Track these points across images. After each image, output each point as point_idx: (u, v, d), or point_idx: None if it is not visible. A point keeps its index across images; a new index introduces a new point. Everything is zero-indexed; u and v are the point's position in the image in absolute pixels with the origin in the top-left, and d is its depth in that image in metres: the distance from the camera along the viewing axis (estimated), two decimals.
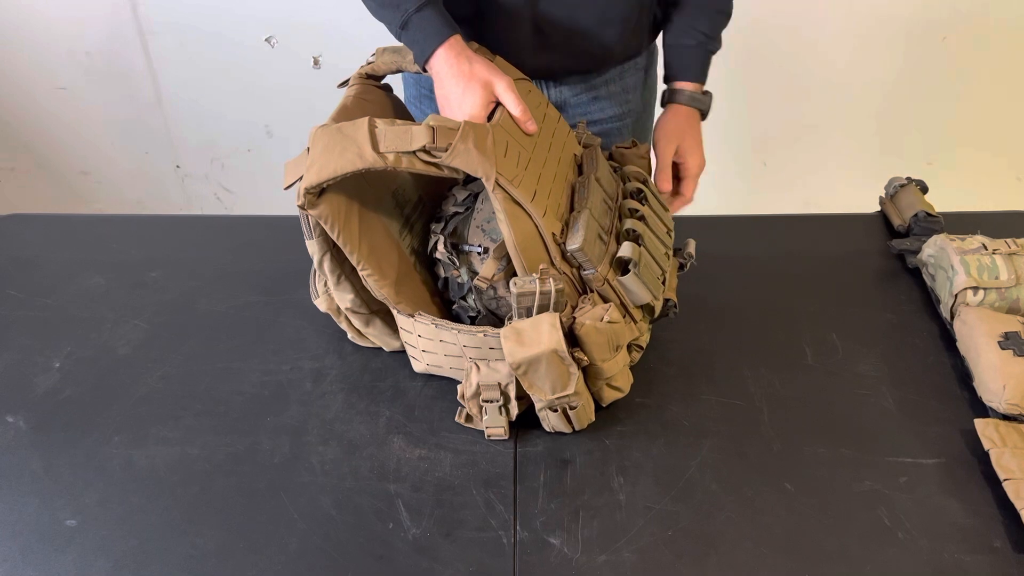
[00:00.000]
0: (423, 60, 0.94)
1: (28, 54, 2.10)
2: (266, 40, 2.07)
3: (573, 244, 0.85)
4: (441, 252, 0.95)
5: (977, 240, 1.06)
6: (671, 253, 0.99)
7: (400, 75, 1.11)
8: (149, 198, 2.42)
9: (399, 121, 0.82)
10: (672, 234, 1.02)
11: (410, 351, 0.98)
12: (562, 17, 1.03)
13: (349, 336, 1.04)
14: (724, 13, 1.10)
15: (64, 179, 2.37)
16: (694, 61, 1.10)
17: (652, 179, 1.07)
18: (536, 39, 1.05)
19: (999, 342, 0.93)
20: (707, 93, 1.11)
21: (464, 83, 0.89)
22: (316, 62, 2.11)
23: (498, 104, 0.90)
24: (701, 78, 1.10)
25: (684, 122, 1.09)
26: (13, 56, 2.10)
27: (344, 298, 0.95)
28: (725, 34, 1.12)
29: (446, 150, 0.80)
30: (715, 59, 1.12)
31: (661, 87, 1.27)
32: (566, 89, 1.15)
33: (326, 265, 0.92)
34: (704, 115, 1.11)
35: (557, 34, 1.05)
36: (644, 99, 1.24)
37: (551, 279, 0.83)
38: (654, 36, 1.18)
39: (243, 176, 2.37)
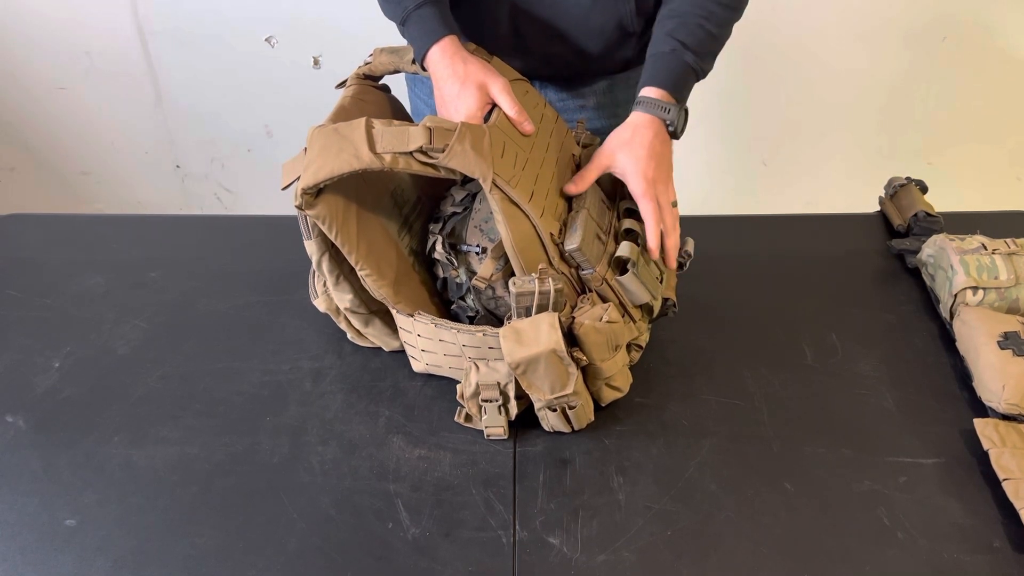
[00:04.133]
0: (419, 58, 0.94)
1: (28, 54, 2.10)
2: (266, 40, 2.07)
3: (571, 244, 0.85)
4: (439, 252, 0.95)
5: (976, 240, 1.06)
6: None
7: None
8: (149, 198, 2.42)
9: (396, 122, 0.82)
10: None
11: (409, 351, 0.98)
12: (540, 18, 1.02)
13: (348, 336, 1.04)
14: (703, 28, 0.95)
15: (64, 179, 2.37)
16: (661, 67, 0.95)
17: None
18: (515, 40, 1.04)
19: (998, 342, 0.93)
20: (677, 106, 0.94)
21: (460, 84, 0.89)
22: (316, 62, 2.11)
23: (495, 105, 0.90)
24: (666, 84, 0.94)
25: (630, 131, 0.92)
26: (13, 56, 2.10)
27: (343, 298, 0.96)
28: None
29: (443, 151, 0.80)
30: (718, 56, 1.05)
31: None
32: (551, 92, 1.14)
33: (324, 265, 0.92)
34: (672, 131, 0.94)
35: (535, 36, 1.04)
36: None
37: (550, 279, 0.83)
38: (643, 51, 1.13)
39: (243, 176, 2.37)
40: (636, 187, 0.90)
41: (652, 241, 0.90)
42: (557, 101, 1.15)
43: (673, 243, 0.93)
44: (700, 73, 0.97)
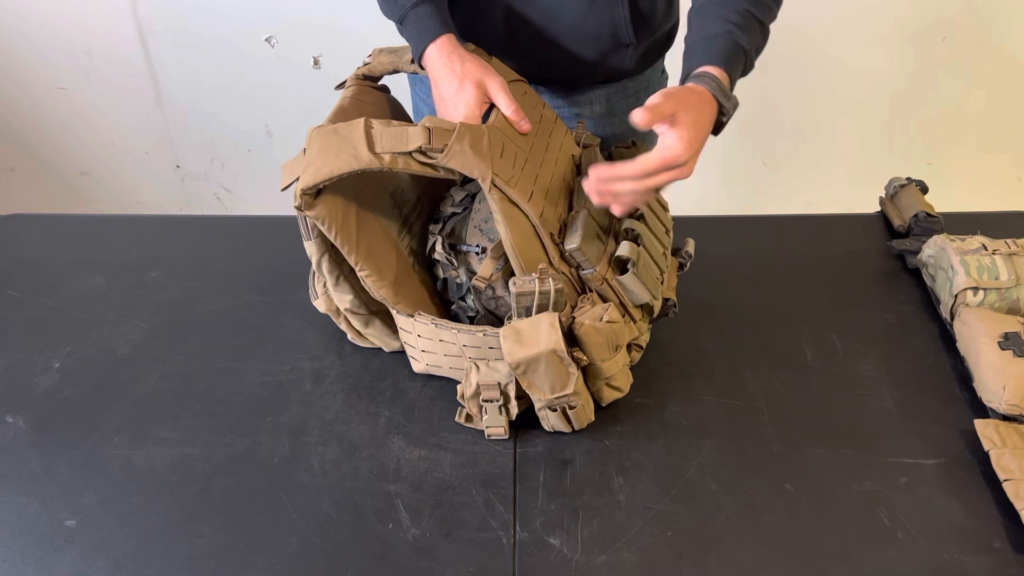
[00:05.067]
0: (417, 56, 0.94)
1: (28, 54, 2.10)
2: (266, 40, 2.07)
3: (571, 243, 0.85)
4: (439, 253, 0.95)
5: (977, 240, 1.06)
6: (668, 252, 0.99)
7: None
8: (149, 198, 2.42)
9: (395, 122, 0.82)
10: (671, 233, 1.02)
11: (409, 351, 0.98)
12: (534, 22, 1.02)
13: (349, 336, 1.04)
14: (752, 14, 0.89)
15: (64, 179, 2.37)
16: (714, 47, 0.88)
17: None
18: (510, 43, 1.04)
19: (999, 343, 0.93)
20: (732, 98, 0.87)
21: (458, 81, 0.89)
22: (316, 62, 2.11)
23: (493, 104, 0.90)
24: (717, 62, 0.86)
25: (689, 93, 0.83)
26: (13, 56, 2.10)
27: (343, 299, 0.96)
28: None
29: (442, 151, 0.80)
30: None
31: None
32: (547, 100, 1.14)
33: (324, 266, 0.92)
34: (719, 120, 0.86)
35: (530, 39, 1.03)
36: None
37: (550, 279, 0.83)
38: (647, 62, 1.13)
39: (243, 176, 2.37)
40: (675, 145, 0.78)
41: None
42: (553, 109, 1.14)
43: (629, 184, 0.80)
44: (748, 62, 0.89)
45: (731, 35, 0.88)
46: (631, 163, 0.78)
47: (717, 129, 0.87)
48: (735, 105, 0.87)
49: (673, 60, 1.18)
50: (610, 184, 0.80)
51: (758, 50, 0.92)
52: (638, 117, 0.75)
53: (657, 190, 0.82)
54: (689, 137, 0.78)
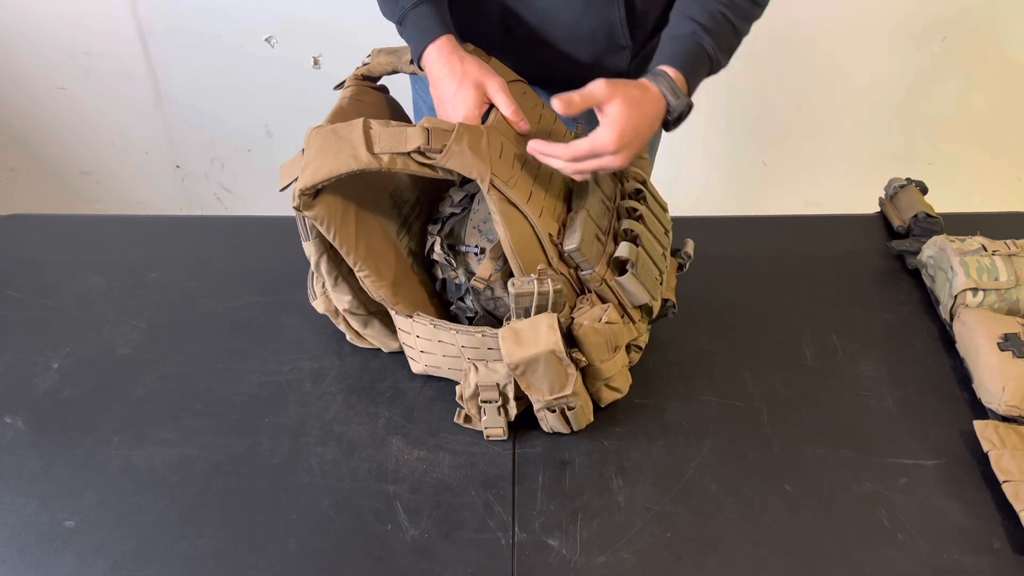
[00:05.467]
0: (416, 57, 0.94)
1: (28, 54, 2.10)
2: (266, 40, 2.07)
3: (570, 244, 0.85)
4: (438, 253, 0.95)
5: (977, 241, 1.06)
6: (668, 253, 0.99)
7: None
8: (149, 198, 2.42)
9: (394, 122, 0.82)
10: (670, 234, 1.01)
11: (408, 352, 0.98)
12: (530, 21, 1.02)
13: (348, 337, 1.04)
14: (724, 16, 0.91)
15: (64, 179, 2.37)
16: (679, 48, 0.91)
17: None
18: (506, 42, 1.04)
19: (998, 343, 0.93)
20: (687, 98, 0.89)
21: (457, 82, 0.89)
22: (316, 62, 2.11)
23: (492, 104, 0.90)
24: (675, 63, 0.89)
25: (639, 92, 0.85)
26: (13, 56, 2.10)
27: (342, 299, 0.95)
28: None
29: (441, 151, 0.80)
30: None
31: None
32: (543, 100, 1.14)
33: (323, 266, 0.92)
34: (668, 119, 0.89)
35: (526, 39, 1.03)
36: None
37: (549, 280, 0.83)
38: (644, 66, 1.09)
39: (243, 176, 2.37)
40: (606, 136, 0.82)
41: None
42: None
43: (562, 161, 0.84)
44: (714, 64, 0.92)
45: (695, 36, 0.91)
46: (564, 145, 0.84)
47: (667, 125, 0.91)
48: (688, 106, 0.90)
49: None
50: (542, 157, 0.85)
51: (730, 50, 0.95)
52: (556, 104, 0.81)
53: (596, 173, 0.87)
54: (621, 129, 0.82)
